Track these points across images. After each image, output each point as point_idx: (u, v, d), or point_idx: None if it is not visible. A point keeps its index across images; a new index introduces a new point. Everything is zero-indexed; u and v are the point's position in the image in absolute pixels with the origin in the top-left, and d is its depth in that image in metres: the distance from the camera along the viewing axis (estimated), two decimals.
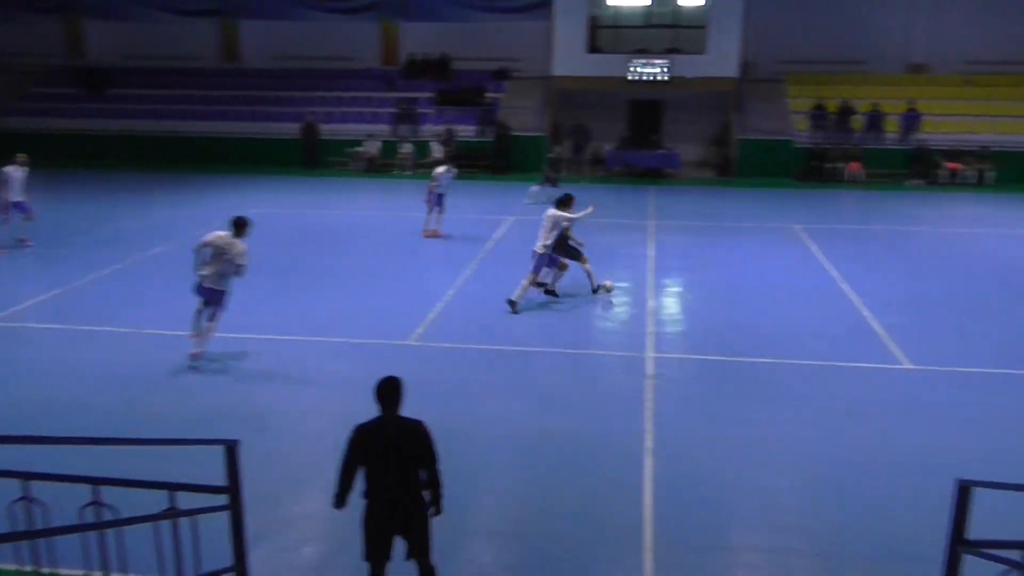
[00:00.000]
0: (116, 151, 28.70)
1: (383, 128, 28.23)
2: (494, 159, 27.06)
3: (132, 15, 31.77)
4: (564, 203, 12.80)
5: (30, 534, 4.48)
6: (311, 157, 27.47)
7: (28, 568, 4.66)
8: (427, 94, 29.33)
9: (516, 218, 19.69)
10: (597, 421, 8.85)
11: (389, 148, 27.40)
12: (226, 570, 5.35)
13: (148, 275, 14.61)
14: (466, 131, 27.97)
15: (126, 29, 32.19)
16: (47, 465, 4.73)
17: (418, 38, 30.74)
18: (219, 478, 5.18)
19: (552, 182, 22.14)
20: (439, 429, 8.17)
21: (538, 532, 6.86)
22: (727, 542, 6.72)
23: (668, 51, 27.71)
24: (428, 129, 28.03)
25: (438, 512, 5.50)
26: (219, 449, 5.19)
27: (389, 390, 5.39)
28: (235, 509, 5.21)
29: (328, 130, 28.04)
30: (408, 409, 9.28)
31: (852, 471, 7.80)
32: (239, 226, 10.31)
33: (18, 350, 11.01)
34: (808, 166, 26.15)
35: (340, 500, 5.41)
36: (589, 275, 13.23)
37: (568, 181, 26.07)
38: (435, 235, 17.62)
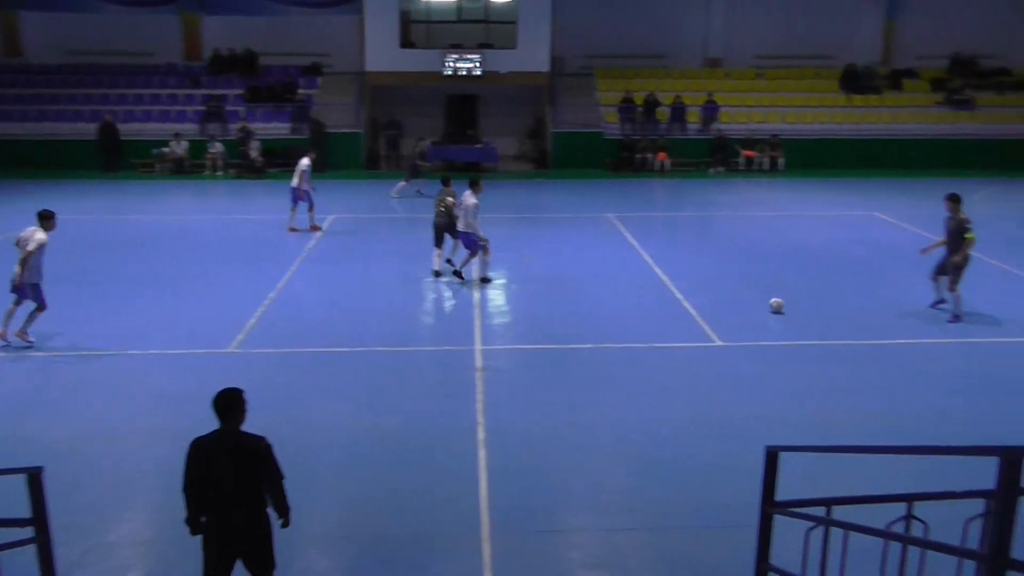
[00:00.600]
0: None
1: (190, 127, 26.89)
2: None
3: None
4: (476, 185, 13.87)
5: None
6: (112, 159, 25.72)
7: None
8: (236, 91, 28.21)
9: (337, 217, 19.33)
10: (429, 417, 8.85)
11: (198, 148, 26.12)
12: None
13: None
14: (279, 129, 27.14)
15: None
16: None
17: (223, 32, 29.47)
18: (23, 510, 4.77)
19: (417, 175, 22.31)
20: (267, 436, 7.89)
21: (375, 533, 6.78)
22: (560, 525, 6.90)
23: (481, 46, 28.04)
24: (239, 127, 26.95)
25: (286, 524, 5.31)
26: (21, 478, 4.79)
27: (227, 403, 5.10)
28: (42, 541, 4.83)
29: (130, 130, 26.38)
30: None
31: (672, 446, 8.20)
32: (43, 218, 10.71)
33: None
34: (619, 157, 27.23)
35: (192, 523, 5.12)
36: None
37: (389, 176, 25.97)
38: (297, 230, 17.69)
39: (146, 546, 6.67)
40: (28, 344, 10.69)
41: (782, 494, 4.95)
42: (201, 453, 5.01)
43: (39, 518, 4.80)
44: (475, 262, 13.87)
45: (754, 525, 5.16)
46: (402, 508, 7.11)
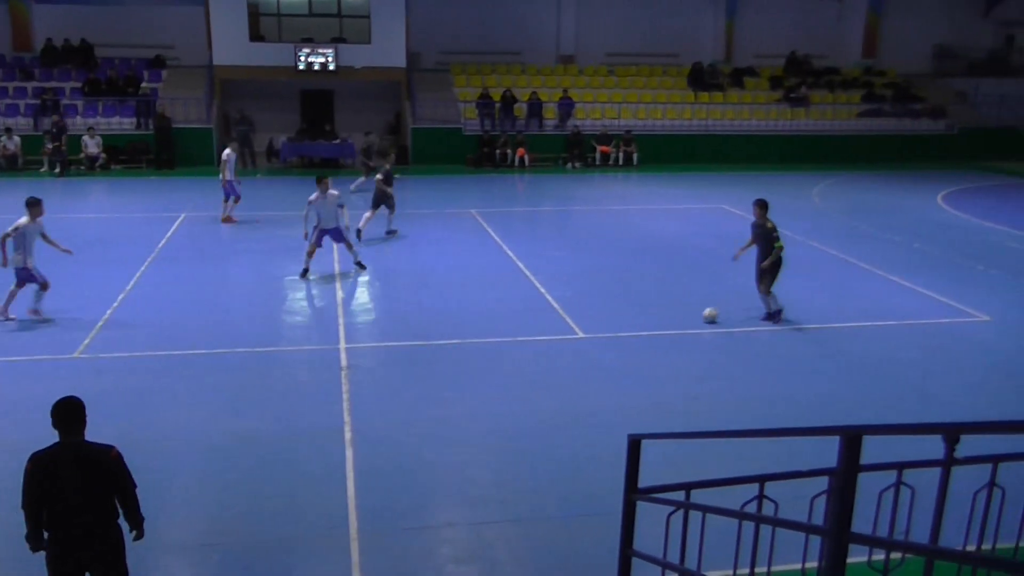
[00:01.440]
0: None
1: (23, 121, 25.17)
2: (156, 153, 25.25)
3: None
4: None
5: None
6: None
7: None
8: (73, 84, 26.59)
9: (187, 214, 18.56)
10: (294, 418, 8.66)
11: (32, 144, 24.47)
12: None
13: None
14: (123, 124, 25.80)
15: None
16: None
17: (55, 22, 27.75)
18: None
19: (367, 171, 22.04)
20: (120, 445, 7.54)
21: (240, 539, 6.58)
22: (429, 522, 6.91)
23: (334, 40, 27.55)
24: (77, 122, 25.44)
25: (139, 537, 5.06)
26: None
27: (65, 413, 4.78)
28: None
29: (44, 124, 24.44)
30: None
31: (539, 438, 8.35)
32: (29, 205, 11.32)
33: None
34: (479, 153, 27.40)
35: (33, 540, 4.78)
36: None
37: (240, 173, 25.13)
38: (233, 220, 18.09)
39: None
40: (43, 320, 11.40)
41: (644, 481, 5.13)
42: (41, 467, 4.68)
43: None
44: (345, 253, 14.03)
45: (619, 512, 5.33)
46: (267, 512, 6.94)
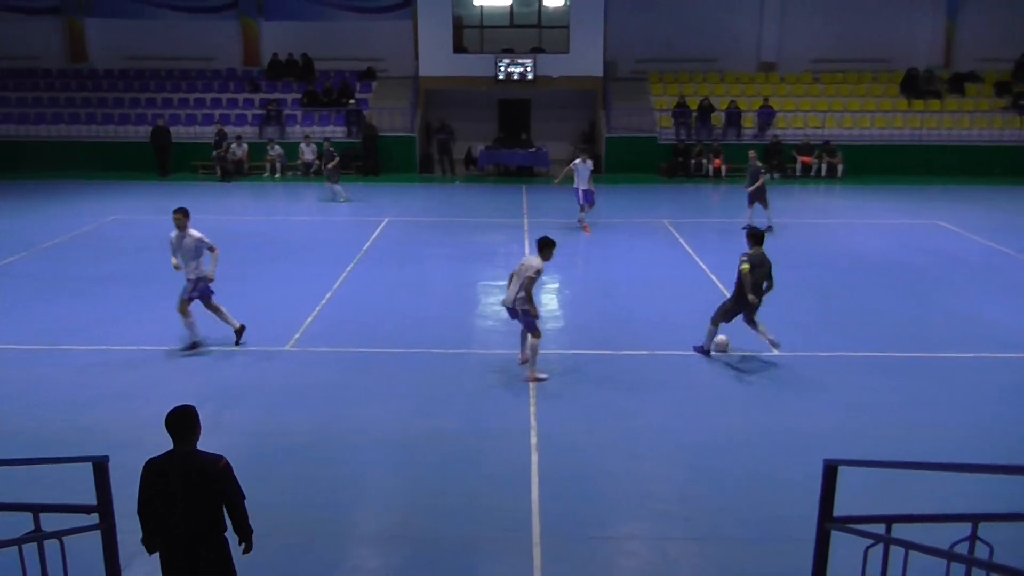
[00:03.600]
0: None
1: (249, 130, 27.42)
2: (363, 161, 26.73)
3: None
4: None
5: None
6: (163, 162, 26.24)
7: None
8: (293, 95, 28.67)
9: (390, 219, 19.51)
10: (481, 419, 8.89)
11: (257, 151, 26.61)
12: None
13: (4, 287, 13.72)
14: (335, 132, 27.51)
15: None
16: None
17: (281, 38, 29.99)
18: (89, 497, 4.93)
19: (329, 177, 22.38)
20: (320, 435, 8.05)
21: (426, 534, 6.83)
22: (611, 532, 6.87)
23: (533, 50, 28.09)
24: (296, 131, 27.42)
25: (248, 550, 5.06)
26: (87, 466, 4.94)
27: (179, 421, 4.79)
28: (107, 528, 4.99)
29: (191, 133, 27.00)
30: (289, 417, 9.14)
31: (726, 455, 8.12)
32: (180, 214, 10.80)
33: None
34: (673, 162, 27.04)
35: (148, 543, 4.91)
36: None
37: (439, 181, 26.17)
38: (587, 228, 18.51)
39: None
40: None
41: (840, 509, 4.88)
42: (152, 474, 4.76)
43: (104, 505, 4.96)
44: None
45: (810, 539, 5.09)
46: (451, 510, 7.16)
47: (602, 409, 9.17)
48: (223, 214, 20.39)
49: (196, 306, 10.87)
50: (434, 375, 10.17)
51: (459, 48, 28.42)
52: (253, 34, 30.21)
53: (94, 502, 4.95)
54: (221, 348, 10.95)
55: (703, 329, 11.64)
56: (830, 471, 4.86)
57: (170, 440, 4.82)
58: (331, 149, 23.02)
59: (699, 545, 6.68)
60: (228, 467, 4.82)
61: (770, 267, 10.47)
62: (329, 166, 22.38)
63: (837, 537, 4.90)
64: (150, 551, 4.94)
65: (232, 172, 25.79)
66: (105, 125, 27.40)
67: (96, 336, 11.32)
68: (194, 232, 10.72)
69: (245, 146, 26.51)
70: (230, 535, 4.96)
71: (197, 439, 4.87)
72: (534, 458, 7.99)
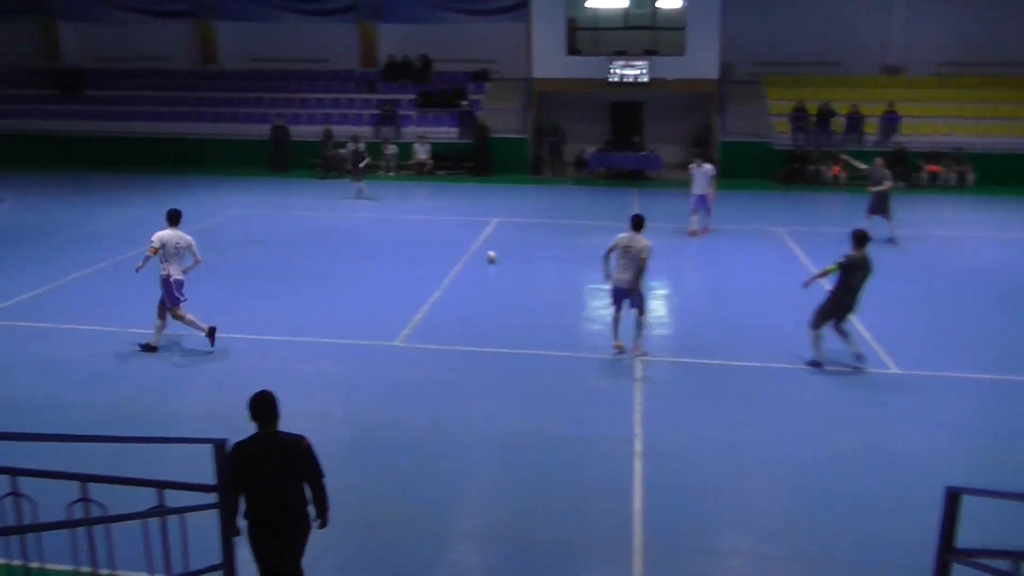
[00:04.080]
0: (92, 152, 28.40)
1: (365, 130, 28.12)
2: (474, 161, 27.03)
3: (107, 17, 31.59)
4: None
5: (19, 529, 4.43)
6: (281, 160, 27.19)
7: (17, 563, 4.61)
8: (408, 96, 29.25)
9: (499, 220, 19.65)
10: (585, 424, 8.85)
11: (372, 150, 27.26)
12: (214, 568, 5.31)
13: (130, 275, 14.47)
14: (448, 133, 27.93)
15: (101, 31, 31.91)
16: (35, 462, 4.66)
17: (397, 40, 30.65)
18: (208, 476, 5.14)
19: (356, 175, 22.64)
20: (425, 431, 8.17)
21: (526, 534, 6.84)
22: (714, 546, 6.74)
23: (647, 53, 27.81)
24: (410, 131, 27.96)
25: (324, 525, 5.35)
26: (208, 448, 5.15)
27: (263, 405, 5.16)
28: (224, 507, 5.19)
29: (309, 132, 27.87)
30: (396, 411, 9.32)
31: (836, 474, 7.83)
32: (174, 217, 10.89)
33: (2, 348, 10.90)
34: (789, 168, 26.29)
35: (232, 526, 5.21)
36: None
37: (550, 182, 26.21)
38: (696, 233, 18.30)
39: None
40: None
41: (962, 540, 4.63)
42: (241, 455, 5.10)
43: (222, 486, 5.17)
44: None
45: (924, 567, 4.85)
46: (552, 512, 7.15)
47: (709, 419, 8.99)
48: (336, 211, 20.98)
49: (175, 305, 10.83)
50: (539, 377, 10.19)
51: (572, 50, 28.40)
52: (370, 36, 30.97)
53: (214, 482, 5.18)
54: (336, 341, 11.25)
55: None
56: (952, 499, 4.62)
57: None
58: (362, 150, 23.38)
59: (804, 566, 6.47)
60: (310, 446, 5.13)
61: (870, 272, 10.09)
62: (360, 165, 22.81)
63: (958, 571, 4.65)
64: (233, 533, 5.21)
65: (344, 171, 26.53)
66: (230, 123, 28.59)
67: (220, 325, 11.77)
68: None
69: (362, 145, 27.17)
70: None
71: (279, 421, 5.20)
72: (637, 465, 7.90)
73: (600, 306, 13.16)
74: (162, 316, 10.88)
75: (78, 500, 4.62)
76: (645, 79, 27.00)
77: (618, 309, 10.81)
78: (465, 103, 28.40)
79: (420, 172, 26.81)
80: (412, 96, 29.17)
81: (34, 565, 4.61)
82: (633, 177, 26.82)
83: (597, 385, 10.04)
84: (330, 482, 6.23)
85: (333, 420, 8.83)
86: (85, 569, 4.77)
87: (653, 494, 7.38)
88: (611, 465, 7.94)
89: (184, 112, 29.03)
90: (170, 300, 10.75)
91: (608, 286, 10.77)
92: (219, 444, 5.17)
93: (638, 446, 8.28)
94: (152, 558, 4.95)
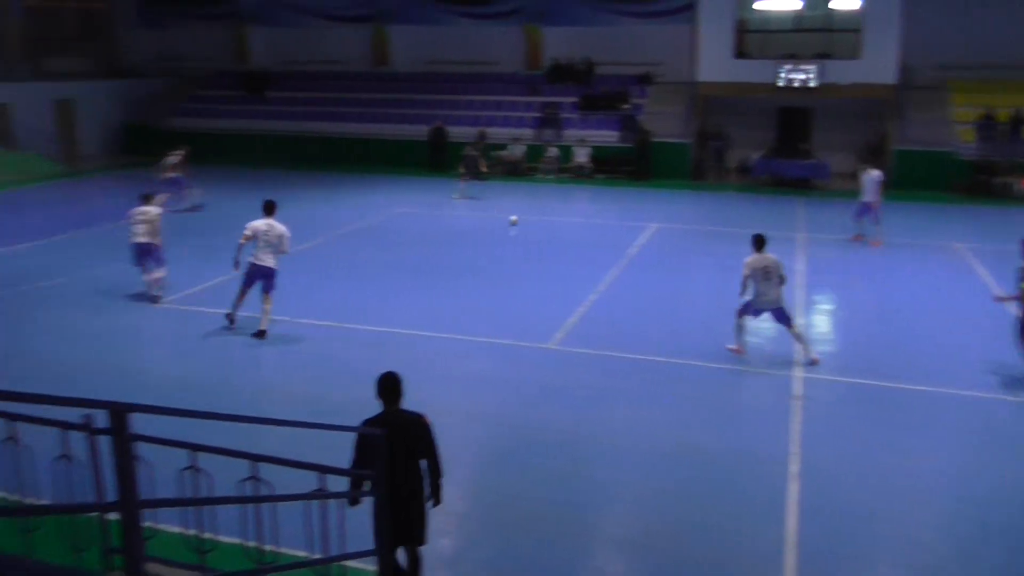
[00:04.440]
0: (272, 150, 30.14)
1: (526, 132, 28.47)
2: (635, 165, 26.82)
3: (291, 22, 33.48)
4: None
5: (195, 501, 4.75)
6: (439, 159, 27.85)
7: (192, 532, 4.94)
8: (570, 99, 29.38)
9: (658, 225, 19.42)
10: (738, 439, 8.61)
11: (533, 152, 27.59)
12: (367, 554, 5.52)
13: (301, 267, 15.28)
14: (609, 137, 27.85)
15: (285, 35, 33.85)
16: (207, 439, 4.98)
17: (562, 42, 30.84)
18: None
19: (472, 177, 22.95)
20: (575, 435, 8.17)
21: (671, 548, 6.73)
22: None
23: (819, 56, 26.69)
24: (571, 134, 28.08)
25: (437, 503, 5.67)
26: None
27: (392, 385, 5.59)
28: (380, 495, 5.39)
29: (473, 133, 28.48)
30: (546, 413, 9.36)
31: (1002, 511, 7.26)
32: (270, 208, 11.74)
33: (184, 331, 11.78)
34: (973, 180, 24.57)
35: (356, 495, 5.55)
36: None
37: (711, 188, 25.64)
38: (860, 239, 17.92)
39: (456, 518, 7.15)
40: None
41: None
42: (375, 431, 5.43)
43: (379, 474, 5.38)
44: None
45: None
46: (701, 528, 6.99)
47: (874, 444, 8.53)
48: (493, 211, 21.33)
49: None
50: (694, 387, 10.00)
51: (740, 53, 27.68)
52: (535, 39, 31.32)
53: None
54: (490, 340, 11.44)
55: (999, 369, 10.53)
56: None
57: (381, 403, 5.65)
58: (474, 154, 23.62)
59: None
60: (430, 424, 5.56)
61: None
62: (483, 168, 23.23)
63: None
64: (355, 503, 5.57)
65: (494, 173, 26.99)
66: (399, 124, 29.65)
67: (378, 318, 12.27)
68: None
69: (523, 147, 27.58)
70: None
71: (402, 400, 5.64)
72: (793, 486, 7.61)
73: (759, 319, 12.77)
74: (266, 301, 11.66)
75: (248, 478, 4.90)
76: (814, 84, 25.96)
77: (788, 328, 10.91)
78: (627, 106, 28.23)
79: (579, 175, 26.87)
80: (574, 99, 29.28)
81: (206, 536, 4.92)
82: (798, 185, 25.82)
83: (753, 400, 9.75)
84: (478, 479, 6.36)
85: (484, 418, 8.99)
86: (251, 543, 5.06)
87: (808, 518, 7.08)
88: (765, 484, 7.68)
89: (357, 113, 30.34)
90: (267, 286, 11.52)
91: (759, 308, 10.85)
92: (378, 436, 5.37)
93: (794, 467, 7.97)
94: (312, 539, 5.20)
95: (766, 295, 10.60)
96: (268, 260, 11.52)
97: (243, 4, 33.73)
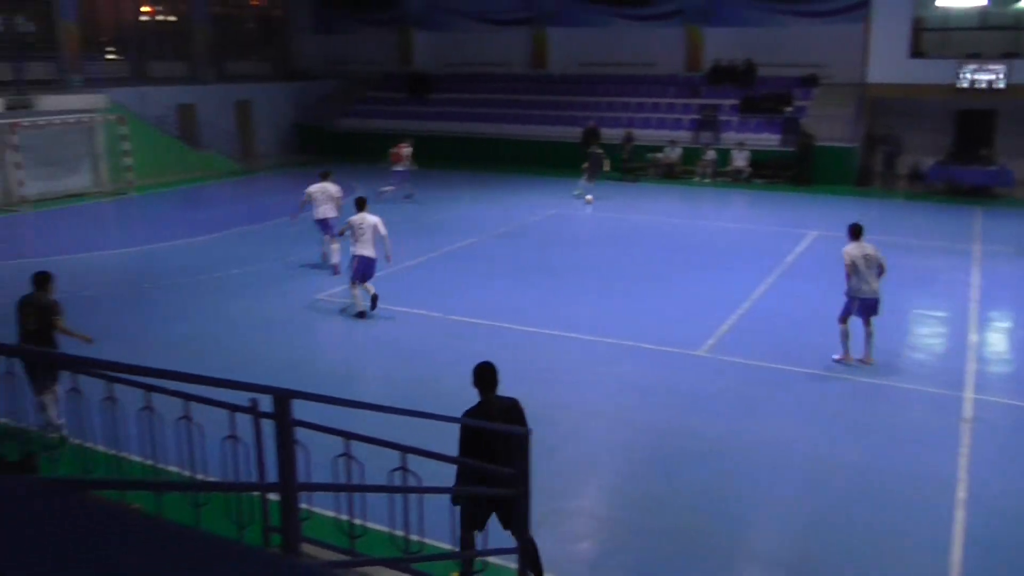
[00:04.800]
0: (434, 150, 30.97)
1: (684, 134, 28.01)
2: (796, 169, 25.85)
3: (455, 26, 34.34)
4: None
5: (348, 487, 4.96)
6: (627, 163, 27.56)
7: (344, 518, 5.16)
8: (730, 101, 28.67)
9: (818, 233, 18.65)
10: (898, 460, 8.15)
11: (690, 155, 27.10)
12: (510, 551, 5.59)
13: (457, 265, 15.68)
14: (769, 140, 26.99)
15: (448, 39, 34.75)
16: (360, 428, 5.17)
17: (723, 43, 30.11)
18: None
19: (589, 177, 22.76)
20: (725, 445, 7.99)
21: (823, 571, 6.44)
22: None
23: (1006, 56, 24.83)
24: (730, 137, 27.40)
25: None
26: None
27: (490, 374, 5.95)
28: (522, 495, 5.43)
29: (621, 135, 28.31)
30: (695, 422, 9.19)
31: None
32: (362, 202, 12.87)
33: (339, 323, 12.31)
34: None
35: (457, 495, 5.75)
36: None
37: (881, 196, 24.36)
38: None
39: (600, 521, 7.14)
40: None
41: None
42: (478, 420, 5.80)
43: (522, 474, 5.43)
44: None
45: None
46: (857, 553, 6.66)
47: None
48: (646, 214, 21.11)
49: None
50: (853, 403, 9.54)
51: (916, 53, 26.15)
52: (697, 40, 30.74)
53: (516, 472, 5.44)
54: (639, 345, 11.34)
55: None
56: None
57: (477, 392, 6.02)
58: (599, 152, 23.49)
59: None
60: (522, 406, 5.99)
61: None
62: (605, 168, 23.29)
63: None
64: (456, 502, 5.74)
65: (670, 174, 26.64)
66: (554, 126, 29.83)
67: (526, 318, 12.37)
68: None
69: (679, 150, 27.14)
70: None
71: (497, 387, 5.99)
72: (959, 515, 7.12)
73: (927, 334, 12.07)
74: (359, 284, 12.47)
75: (397, 468, 5.07)
76: (1001, 85, 24.18)
77: (865, 323, 10.59)
78: (790, 109, 27.24)
79: (737, 179, 26.18)
80: (734, 101, 28.55)
81: (357, 522, 5.12)
82: (977, 194, 24.14)
83: (918, 420, 9.19)
84: (623, 485, 6.25)
85: (630, 423, 8.92)
86: (398, 532, 5.23)
87: (975, 551, 6.61)
88: (928, 511, 7.23)
89: (514, 114, 30.76)
90: (356, 274, 12.34)
91: (858, 298, 10.53)
92: (523, 435, 5.42)
93: (961, 493, 7.46)
94: (455, 532, 5.32)
95: (869, 284, 10.41)
96: (363, 250, 12.34)
97: (409, 9, 34.89)
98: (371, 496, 5.07)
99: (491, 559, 5.86)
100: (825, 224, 19.71)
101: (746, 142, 26.55)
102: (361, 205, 12.75)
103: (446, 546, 5.56)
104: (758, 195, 24.49)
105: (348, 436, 5.04)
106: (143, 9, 30.16)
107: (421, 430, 6.92)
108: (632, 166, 26.91)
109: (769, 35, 29.43)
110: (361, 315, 12.40)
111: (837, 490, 7.62)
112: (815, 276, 15.01)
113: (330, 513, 5.73)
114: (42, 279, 8.75)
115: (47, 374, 8.22)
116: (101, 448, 5.58)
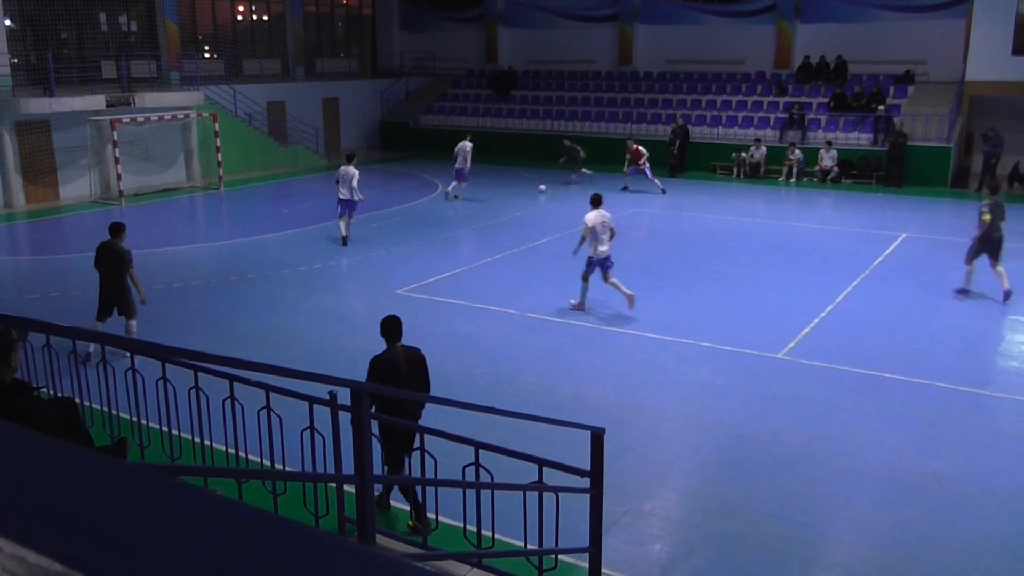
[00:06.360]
0: (517, 148, 31.11)
1: (771, 133, 27.45)
2: (887, 170, 25.06)
3: (541, 23, 34.38)
4: None
5: (422, 481, 5.06)
6: (679, 160, 27.23)
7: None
8: (819, 99, 27.96)
9: (908, 235, 18.07)
10: (989, 473, 7.85)
11: (775, 154, 26.54)
12: (581, 550, 5.60)
13: (535, 262, 15.73)
14: (860, 140, 26.24)
15: (531, 35, 34.80)
16: (436, 424, 5.26)
17: (814, 40, 29.38)
18: (577, 460, 5.41)
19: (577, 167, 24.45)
20: (804, 451, 7.85)
21: None
22: None
23: None
24: (817, 136, 26.73)
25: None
26: (581, 433, 5.42)
27: (395, 326, 6.52)
28: (596, 494, 5.45)
29: (714, 134, 27.92)
30: (774, 426, 9.05)
31: None
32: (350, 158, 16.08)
33: (419, 318, 12.49)
34: None
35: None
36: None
37: (974, 198, 23.41)
38: None
39: (673, 524, 7.08)
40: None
41: None
42: (384, 363, 6.35)
43: (597, 473, 5.43)
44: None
45: None
46: (938, 567, 6.45)
47: None
48: (731, 215, 20.77)
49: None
50: (940, 412, 9.23)
51: (1019, 49, 25.03)
52: (787, 37, 30.07)
53: (587, 467, 5.45)
54: (718, 347, 11.20)
55: None
56: None
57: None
58: (574, 145, 25.16)
59: None
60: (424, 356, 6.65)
61: None
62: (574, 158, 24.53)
63: None
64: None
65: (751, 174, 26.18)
66: (640, 124, 29.58)
67: (603, 318, 12.35)
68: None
69: (764, 149, 26.61)
70: None
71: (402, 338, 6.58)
72: None
73: (1020, 341, 11.57)
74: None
75: (470, 464, 5.14)
76: None
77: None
78: (882, 108, 26.41)
79: (824, 180, 25.52)
80: (824, 99, 27.84)
81: (431, 516, 5.22)
82: None
83: (1009, 431, 8.84)
84: (699, 487, 6.13)
85: (707, 426, 8.82)
86: (471, 528, 5.31)
87: None
88: (1018, 528, 6.95)
89: (597, 112, 30.63)
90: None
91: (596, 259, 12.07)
92: (597, 433, 5.42)
93: None
94: (527, 530, 5.36)
95: (602, 247, 12.07)
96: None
97: (495, 6, 35.08)
98: (445, 492, 5.16)
99: (563, 557, 5.89)
100: (917, 226, 19.11)
101: (834, 141, 25.86)
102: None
103: (517, 543, 5.61)
104: (846, 195, 23.86)
105: (422, 431, 5.15)
106: (239, 9, 31.09)
107: (497, 427, 7.01)
108: (679, 163, 26.51)
109: (863, 31, 28.60)
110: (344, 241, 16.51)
111: (921, 502, 7.40)
112: (903, 281, 14.57)
113: (405, 507, 5.86)
114: (116, 228, 10.29)
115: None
116: (187, 436, 5.82)
